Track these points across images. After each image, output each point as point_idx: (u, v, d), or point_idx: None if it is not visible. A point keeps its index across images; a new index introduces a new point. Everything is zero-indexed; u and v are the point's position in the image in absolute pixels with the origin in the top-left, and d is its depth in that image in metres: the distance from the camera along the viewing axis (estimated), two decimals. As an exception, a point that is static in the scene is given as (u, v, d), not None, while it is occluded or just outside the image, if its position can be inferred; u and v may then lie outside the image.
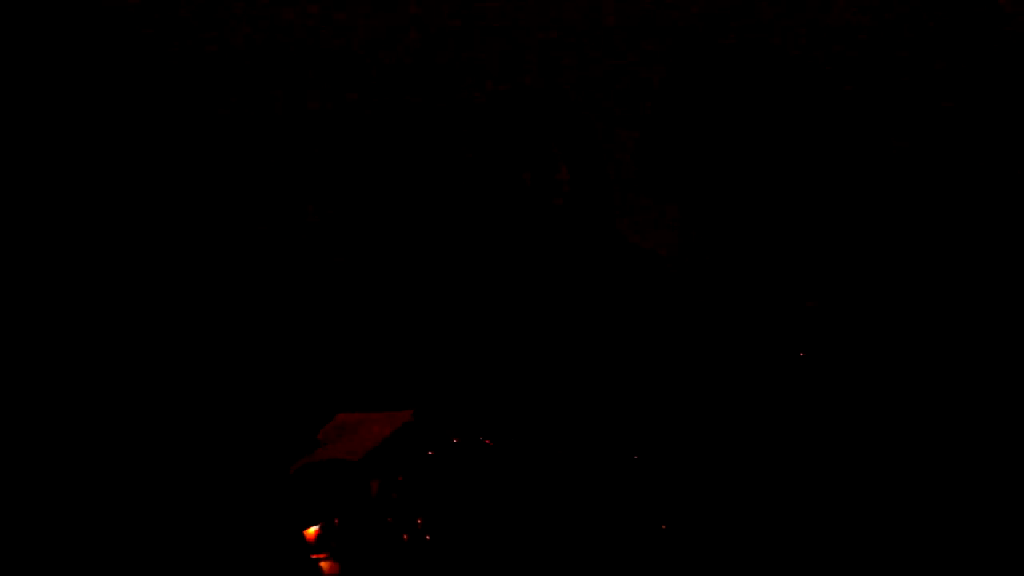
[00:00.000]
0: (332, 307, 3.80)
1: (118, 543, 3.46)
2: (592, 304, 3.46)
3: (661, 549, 3.43)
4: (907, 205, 3.30)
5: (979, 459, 3.15)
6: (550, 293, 3.47)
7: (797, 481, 3.27)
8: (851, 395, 3.19)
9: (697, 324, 3.35)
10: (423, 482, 3.49)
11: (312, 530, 3.51)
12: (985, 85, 3.60)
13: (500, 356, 3.48)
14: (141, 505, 3.47)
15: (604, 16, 3.94)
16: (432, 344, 3.51)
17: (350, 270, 3.79)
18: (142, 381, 3.46)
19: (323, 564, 3.50)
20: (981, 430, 3.16)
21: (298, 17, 3.89)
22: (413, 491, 3.49)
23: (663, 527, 3.42)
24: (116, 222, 3.52)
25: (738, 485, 3.37)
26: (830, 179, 3.10)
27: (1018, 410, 3.16)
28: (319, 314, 3.76)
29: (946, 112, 3.52)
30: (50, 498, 3.44)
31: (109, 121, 3.53)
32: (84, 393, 3.45)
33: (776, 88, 3.10)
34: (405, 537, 3.47)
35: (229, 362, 3.50)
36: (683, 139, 3.21)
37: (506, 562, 3.45)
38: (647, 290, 3.46)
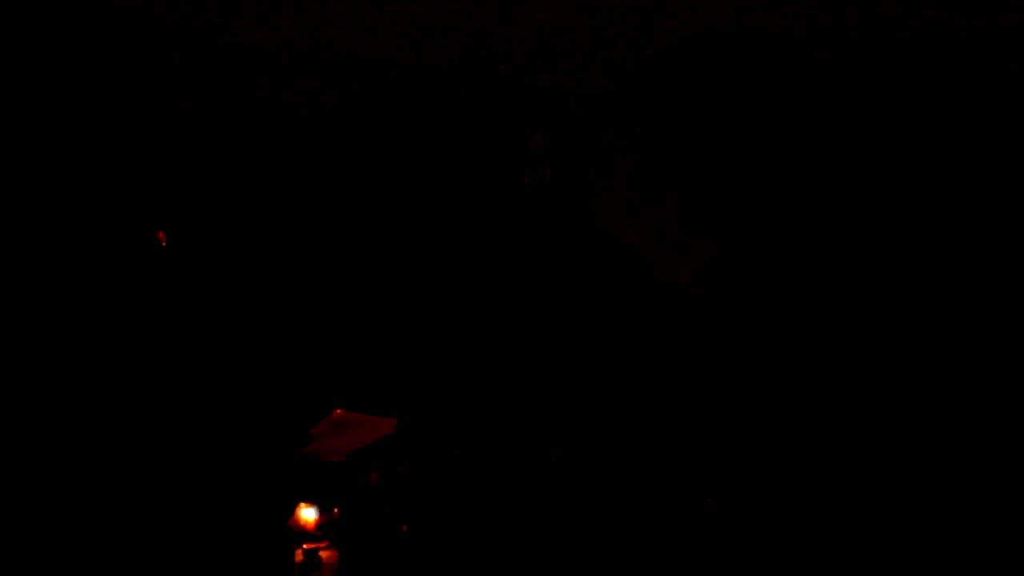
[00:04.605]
0: (335, 305, 3.80)
1: (116, 533, 3.48)
2: (577, 303, 3.45)
3: (644, 549, 3.44)
4: (906, 205, 3.28)
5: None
6: (536, 292, 3.46)
7: (788, 480, 3.26)
8: (839, 397, 3.17)
9: (687, 329, 3.35)
10: (422, 475, 3.49)
11: (312, 519, 3.52)
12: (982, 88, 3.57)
13: (490, 358, 3.48)
14: (139, 499, 3.49)
15: (606, 16, 3.94)
16: (426, 348, 3.51)
17: (344, 271, 3.80)
18: (141, 375, 3.47)
19: (322, 553, 3.52)
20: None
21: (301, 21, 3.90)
22: (412, 483, 3.49)
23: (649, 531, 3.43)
24: (113, 219, 3.53)
25: (723, 484, 3.37)
26: (830, 176, 3.09)
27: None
28: (321, 310, 3.76)
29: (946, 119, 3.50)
30: (49, 492, 3.46)
31: (109, 120, 3.54)
32: (82, 386, 3.46)
33: (778, 84, 3.08)
34: (404, 528, 3.48)
35: (228, 354, 3.51)
36: (686, 134, 3.19)
37: (500, 554, 3.45)
38: (628, 285, 3.44)
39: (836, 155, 3.04)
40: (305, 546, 3.53)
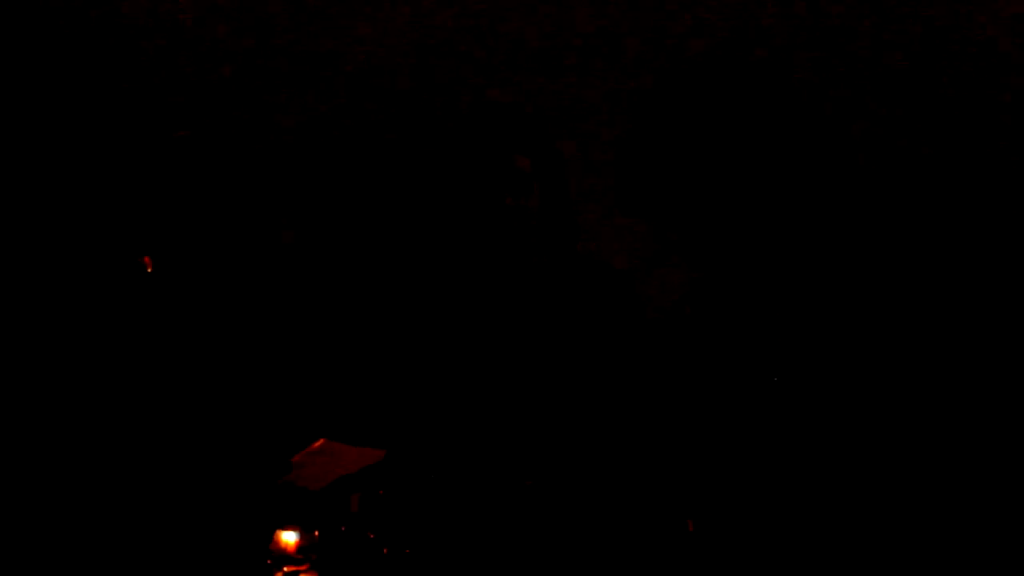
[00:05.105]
0: (319, 329, 3.85)
1: (95, 555, 3.40)
2: (562, 326, 3.58)
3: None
4: (895, 217, 3.38)
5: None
6: (523, 316, 3.58)
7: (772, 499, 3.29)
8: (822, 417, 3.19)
9: (672, 352, 3.46)
10: (402, 498, 3.54)
11: (293, 542, 3.52)
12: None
13: (470, 380, 3.58)
14: (120, 520, 3.43)
15: (583, 34, 4.11)
16: (407, 370, 3.59)
17: (330, 288, 3.85)
18: (126, 398, 3.46)
19: (303, 576, 3.51)
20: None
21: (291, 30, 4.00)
22: (393, 506, 3.54)
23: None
24: (100, 243, 3.55)
25: (699, 506, 3.46)
26: (813, 193, 3.19)
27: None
28: (309, 335, 3.81)
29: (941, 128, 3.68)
30: (30, 513, 3.38)
31: (102, 129, 3.57)
32: (66, 407, 3.42)
33: (759, 103, 3.24)
34: (384, 551, 3.51)
35: (213, 378, 3.53)
36: (664, 155, 3.28)
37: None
38: (614, 307, 3.60)
39: (825, 174, 3.17)
40: (285, 569, 3.51)
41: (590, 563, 3.51)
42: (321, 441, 3.61)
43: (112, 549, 3.41)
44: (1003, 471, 3.25)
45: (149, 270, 3.51)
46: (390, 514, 3.52)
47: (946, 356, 3.19)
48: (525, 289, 3.61)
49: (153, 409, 3.48)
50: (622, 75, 4.05)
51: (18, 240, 3.52)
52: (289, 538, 3.52)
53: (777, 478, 3.27)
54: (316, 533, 3.52)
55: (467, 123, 3.59)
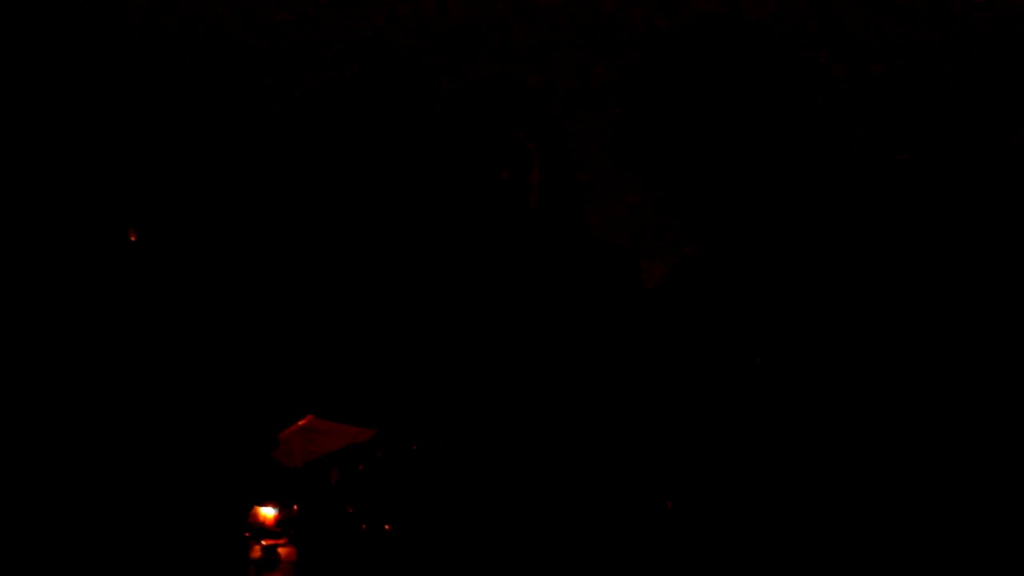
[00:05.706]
0: (308, 304, 3.81)
1: (74, 526, 3.37)
2: (564, 305, 3.55)
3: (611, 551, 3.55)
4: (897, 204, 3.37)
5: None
6: (525, 296, 3.55)
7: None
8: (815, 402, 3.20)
9: (671, 324, 3.46)
10: (383, 475, 3.55)
11: (271, 516, 3.52)
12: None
13: (456, 357, 3.57)
14: (98, 493, 3.40)
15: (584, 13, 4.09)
16: (393, 347, 3.57)
17: (331, 272, 3.81)
18: (108, 371, 3.41)
19: (281, 550, 3.51)
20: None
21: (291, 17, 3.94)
22: (372, 481, 3.54)
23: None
24: (83, 214, 3.47)
25: (702, 489, 3.49)
26: (816, 173, 3.18)
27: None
28: (302, 315, 3.77)
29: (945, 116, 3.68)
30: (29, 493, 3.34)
31: (98, 120, 3.48)
32: (46, 381, 3.38)
33: (759, 77, 3.20)
34: (363, 527, 3.52)
35: (199, 352, 3.49)
36: (663, 129, 3.23)
37: (458, 554, 3.52)
38: (617, 288, 3.58)
39: (825, 154, 3.16)
40: (263, 542, 3.51)
41: (570, 543, 3.54)
42: (308, 417, 3.59)
43: (89, 521, 3.38)
44: (994, 455, 3.28)
45: (132, 239, 3.46)
46: (369, 490, 3.53)
47: (941, 350, 3.20)
48: (523, 267, 3.57)
49: (138, 385, 3.44)
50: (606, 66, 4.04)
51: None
52: (267, 512, 3.51)
53: (758, 462, 3.30)
54: (295, 507, 3.52)
55: (464, 97, 3.53)
